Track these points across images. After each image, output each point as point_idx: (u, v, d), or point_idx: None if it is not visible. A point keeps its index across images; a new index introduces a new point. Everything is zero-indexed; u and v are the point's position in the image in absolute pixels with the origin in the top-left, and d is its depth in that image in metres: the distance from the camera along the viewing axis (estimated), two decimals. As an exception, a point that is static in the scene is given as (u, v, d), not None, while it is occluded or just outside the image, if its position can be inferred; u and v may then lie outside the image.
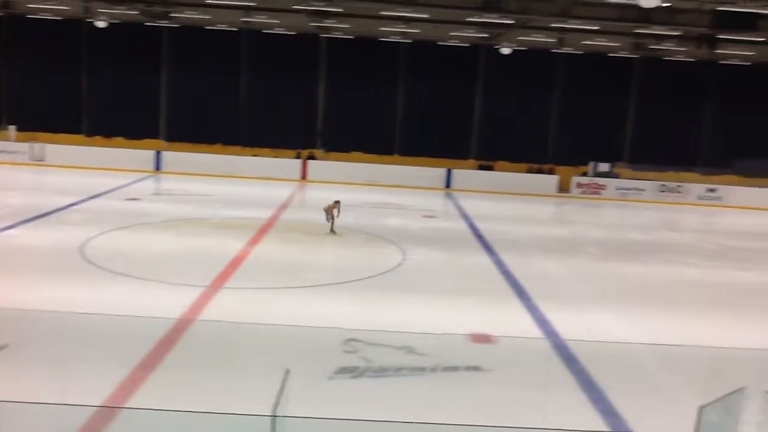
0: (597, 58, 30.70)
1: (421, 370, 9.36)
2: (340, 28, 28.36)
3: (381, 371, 9.26)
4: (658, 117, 32.16)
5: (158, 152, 30.04)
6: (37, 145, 29.53)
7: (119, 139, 31.01)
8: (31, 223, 17.42)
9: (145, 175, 28.64)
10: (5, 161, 28.85)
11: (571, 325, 11.83)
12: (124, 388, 8.09)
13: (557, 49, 29.90)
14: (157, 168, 29.79)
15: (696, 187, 30.45)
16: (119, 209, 20.34)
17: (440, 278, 14.85)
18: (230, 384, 8.51)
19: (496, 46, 28.76)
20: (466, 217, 22.84)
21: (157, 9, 27.41)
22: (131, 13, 28.49)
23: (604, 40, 26.91)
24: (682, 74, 31.70)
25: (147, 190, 25.02)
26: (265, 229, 18.65)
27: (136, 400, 7.79)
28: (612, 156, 31.57)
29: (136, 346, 9.31)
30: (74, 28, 30.71)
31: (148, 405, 7.46)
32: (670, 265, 17.78)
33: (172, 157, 29.82)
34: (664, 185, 30.42)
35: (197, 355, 9.53)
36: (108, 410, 7.39)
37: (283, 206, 22.88)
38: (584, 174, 30.88)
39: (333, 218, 17.87)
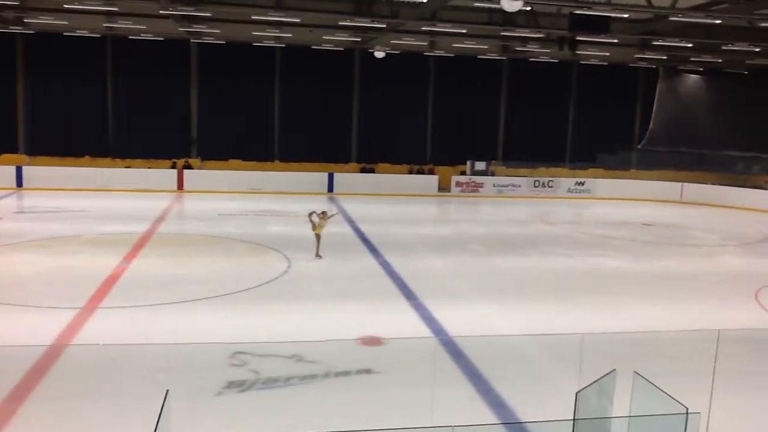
0: (467, 60, 31.71)
1: (312, 377, 9.26)
2: (211, 33, 27.64)
3: (270, 382, 9.08)
4: (527, 116, 33.70)
5: (19, 167, 28.04)
6: None
7: (-28, 156, 28.72)
8: None
9: (4, 192, 26.66)
10: None
11: (457, 321, 12.11)
12: (-11, 425, 7.45)
13: (429, 51, 30.61)
14: (19, 185, 27.80)
15: (566, 181, 32.17)
16: (-24, 231, 18.79)
17: (327, 283, 14.78)
18: (107, 411, 8.04)
19: (370, 50, 29.06)
20: (350, 221, 22.89)
21: (10, 14, 25.54)
22: (-20, 19, 26.43)
23: (473, 42, 27.81)
24: (547, 74, 33.37)
25: (8, 209, 23.29)
26: (141, 243, 17.83)
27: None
28: (487, 155, 32.72)
29: (1, 378, 8.60)
30: None
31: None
32: (546, 256, 18.61)
33: (35, 172, 27.94)
34: (537, 181, 31.91)
35: (71, 383, 8.92)
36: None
37: (160, 219, 21.98)
38: (463, 173, 31.83)
39: (319, 238, 16.53)
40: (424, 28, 24.58)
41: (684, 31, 22.59)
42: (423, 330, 11.54)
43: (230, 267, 15.95)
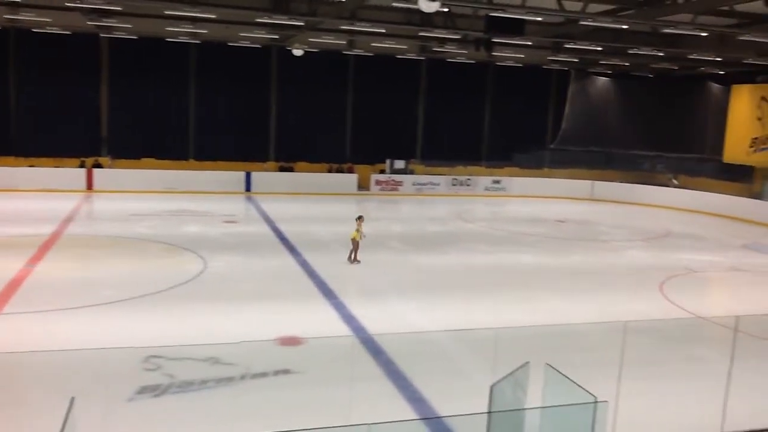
0: (386, 59, 31.87)
1: (228, 380, 9.07)
2: (122, 28, 26.62)
3: (186, 386, 8.84)
4: (446, 115, 34.20)
5: None
6: None
7: None
8: None
9: None
10: None
11: (376, 319, 12.14)
12: None
13: (348, 51, 30.58)
14: None
15: (483, 180, 32.85)
16: None
17: (244, 284, 14.54)
18: (6, 423, 7.61)
19: (289, 48, 28.77)
20: (268, 220, 22.60)
21: None
22: None
23: (392, 42, 27.93)
24: (465, 75, 33.94)
25: None
26: (47, 245, 17.01)
27: None
28: (407, 153, 33.00)
29: None
30: None
31: None
32: (465, 253, 18.95)
33: (-73, 172, 26.27)
34: (455, 179, 32.44)
35: (-32, 394, 8.42)
36: None
37: (68, 220, 21.04)
38: (382, 172, 31.98)
39: (356, 246, 16.61)
40: (342, 27, 24.47)
41: (594, 35, 23.41)
42: (342, 329, 11.51)
43: (143, 269, 15.43)
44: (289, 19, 21.66)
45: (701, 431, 6.40)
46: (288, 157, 31.75)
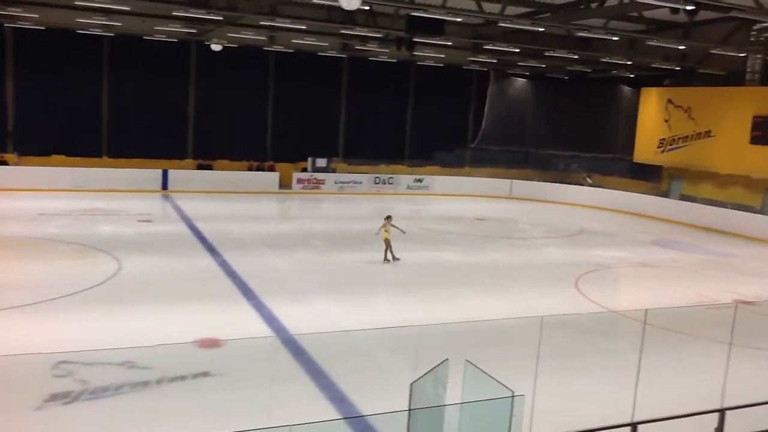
0: (308, 56, 31.62)
1: (144, 384, 8.79)
2: (29, 18, 25.36)
3: (99, 392, 8.53)
4: (368, 113, 34.24)
5: None
6: None
7: None
8: None
9: None
10: None
11: (298, 318, 12.04)
12: None
13: (269, 47, 30.16)
14: None
15: (405, 178, 33.11)
16: None
17: (161, 285, 14.13)
18: None
19: (207, 42, 28.13)
20: (186, 219, 22.04)
21: None
22: None
23: (313, 39, 27.74)
24: (387, 73, 34.06)
25: None
26: (-54, 247, 16.05)
27: None
28: (329, 152, 32.87)
29: None
30: None
31: None
32: (386, 251, 19.01)
33: None
34: (377, 177, 32.55)
35: None
36: None
37: (-30, 220, 19.91)
38: (304, 170, 31.74)
39: (389, 245, 16.70)
40: (262, 23, 24.13)
41: (512, 36, 23.97)
42: (263, 329, 11.36)
43: (53, 271, 14.76)
44: (207, 14, 21.17)
45: (614, 420, 6.64)
46: (207, 155, 31.03)
